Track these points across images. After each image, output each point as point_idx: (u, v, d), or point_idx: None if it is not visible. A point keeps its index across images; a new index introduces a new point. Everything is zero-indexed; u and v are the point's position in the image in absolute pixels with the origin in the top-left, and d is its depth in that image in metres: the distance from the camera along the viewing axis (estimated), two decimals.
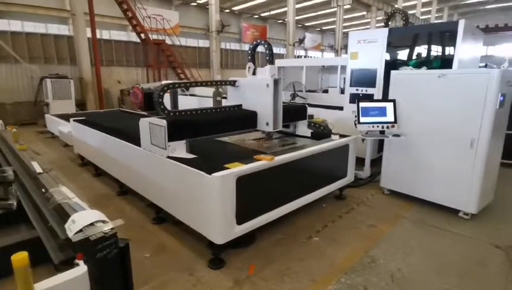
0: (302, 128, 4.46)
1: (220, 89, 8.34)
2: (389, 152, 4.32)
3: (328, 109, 6.17)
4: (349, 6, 20.03)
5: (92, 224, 2.18)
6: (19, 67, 10.61)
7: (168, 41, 13.83)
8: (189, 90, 9.74)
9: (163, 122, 3.00)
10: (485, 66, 8.32)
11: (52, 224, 2.60)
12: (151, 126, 3.21)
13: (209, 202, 2.65)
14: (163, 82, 11.95)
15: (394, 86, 4.13)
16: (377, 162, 4.93)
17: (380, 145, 4.91)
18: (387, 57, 5.10)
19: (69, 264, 2.12)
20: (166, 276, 2.73)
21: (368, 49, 5.20)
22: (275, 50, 27.58)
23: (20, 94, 10.69)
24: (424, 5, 23.62)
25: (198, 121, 3.36)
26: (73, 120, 5.65)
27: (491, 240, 3.32)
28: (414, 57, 5.16)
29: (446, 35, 4.58)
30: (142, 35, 12.71)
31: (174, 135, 3.07)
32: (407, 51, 5.19)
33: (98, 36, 11.66)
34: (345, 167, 4.12)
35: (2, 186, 3.80)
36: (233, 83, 4.04)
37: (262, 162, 2.91)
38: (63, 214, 2.56)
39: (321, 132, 4.41)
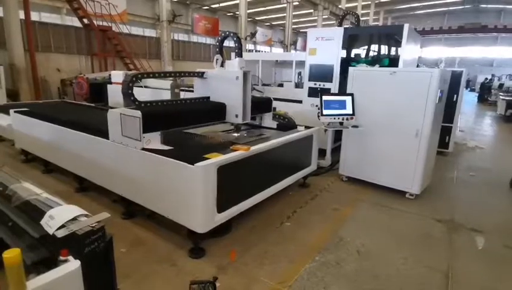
0: (268, 120, 4.63)
1: (178, 81, 8.16)
2: (347, 142, 4.72)
3: (288, 102, 6.44)
4: (297, 3, 20.74)
5: (74, 219, 2.10)
6: None
7: (115, 28, 12.96)
8: (141, 82, 9.33)
9: (138, 113, 2.92)
10: (417, 66, 9.39)
11: (19, 223, 2.41)
12: (123, 117, 3.10)
13: (191, 192, 2.68)
14: (112, 72, 11.22)
15: (352, 81, 4.51)
16: (333, 152, 5.33)
17: (337, 135, 5.31)
18: (343, 54, 5.50)
19: (42, 264, 2.02)
20: (147, 268, 2.71)
21: (326, 46, 5.54)
22: (226, 44, 27.37)
23: None
24: (363, 7, 25.47)
25: (171, 112, 3.33)
26: (15, 111, 5.10)
27: (433, 215, 3.87)
28: (364, 55, 5.66)
29: (393, 37, 5.10)
30: (85, 20, 11.72)
31: (148, 126, 3.01)
32: (359, 49, 5.66)
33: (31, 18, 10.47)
34: (309, 157, 4.41)
35: None
36: (201, 75, 4.05)
37: (239, 152, 3.01)
38: (31, 211, 2.39)
39: (286, 124, 4.63)
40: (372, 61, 5.14)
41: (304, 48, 27.25)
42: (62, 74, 11.58)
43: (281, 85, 10.20)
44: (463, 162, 6.33)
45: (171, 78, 7.57)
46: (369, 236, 3.35)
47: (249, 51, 19.99)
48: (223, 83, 3.87)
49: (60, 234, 1.92)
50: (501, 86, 18.74)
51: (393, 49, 5.21)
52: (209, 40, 23.93)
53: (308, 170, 4.41)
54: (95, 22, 11.99)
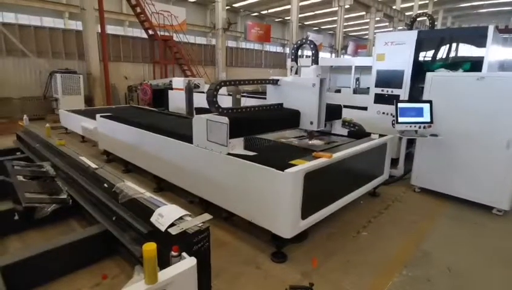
0: (338, 127, 4.58)
1: (240, 87, 8.41)
2: (422, 151, 4.49)
3: (348, 108, 6.30)
4: (349, 6, 20.29)
5: (180, 218, 2.26)
6: (27, 62, 10.41)
7: (175, 37, 13.77)
8: (199, 88, 9.77)
9: (225, 119, 3.07)
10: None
11: (126, 218, 2.65)
12: (209, 123, 3.27)
13: (279, 197, 2.74)
14: (173, 78, 11.86)
15: (430, 87, 4.29)
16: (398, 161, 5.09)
17: (407, 144, 5.07)
18: (415, 58, 5.26)
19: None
20: (235, 269, 2.81)
21: (396, 50, 5.35)
22: (274, 49, 27.57)
23: (27, 89, 10.49)
24: (420, 7, 24.13)
25: (253, 119, 3.44)
26: (101, 116, 5.63)
27: None
28: (440, 58, 5.35)
29: (476, 38, 4.76)
30: (150, 31, 12.62)
31: (234, 132, 3.14)
32: (432, 53, 5.37)
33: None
34: (382, 165, 4.27)
35: (45, 182, 3.82)
36: (275, 82, 4.13)
37: (323, 159, 3.01)
38: (137, 208, 2.63)
39: (357, 131, 4.53)
40: (451, 65, 4.84)
41: (354, 53, 26.51)
42: (129, 81, 12.57)
43: (338, 91, 10.04)
44: None
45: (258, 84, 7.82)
46: (457, 252, 3.14)
47: (301, 57, 19.96)
48: (297, 90, 3.91)
49: (174, 231, 2.09)
50: None
51: (474, 52, 4.86)
52: (258, 46, 24.37)
53: (381, 179, 4.27)
54: (158, 32, 12.86)
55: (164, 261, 1.96)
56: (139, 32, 13.81)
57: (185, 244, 2.07)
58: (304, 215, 2.88)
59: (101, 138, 5.79)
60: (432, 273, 2.80)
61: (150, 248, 1.64)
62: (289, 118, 3.97)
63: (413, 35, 5.15)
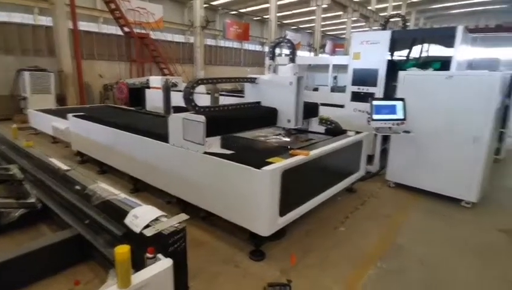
0: (315, 125, 4.63)
1: (218, 86, 8.34)
2: (396, 148, 4.62)
3: (325, 106, 6.40)
4: (326, 6, 20.59)
5: (156, 219, 2.21)
6: None
7: (152, 35, 13.48)
8: (177, 87, 9.62)
9: (202, 118, 3.03)
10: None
11: (99, 221, 2.57)
12: (185, 122, 3.22)
13: (256, 195, 2.74)
14: (150, 77, 11.65)
15: (402, 85, 4.43)
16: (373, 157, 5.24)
17: (382, 141, 5.21)
18: (389, 57, 5.40)
19: None
20: (213, 268, 2.78)
21: (371, 50, 5.46)
22: (253, 48, 27.45)
23: None
24: (394, 8, 24.85)
25: (231, 117, 3.42)
26: (74, 116, 5.43)
27: (494, 224, 3.71)
28: (412, 58, 5.53)
29: (445, 39, 4.95)
30: (126, 28, 12.28)
31: (211, 130, 3.11)
32: (405, 52, 5.54)
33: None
34: (358, 162, 4.36)
35: (13, 186, 3.63)
36: (253, 80, 4.12)
37: (300, 157, 3.04)
38: (111, 210, 2.55)
39: (334, 129, 4.60)
40: (423, 64, 5.01)
41: (332, 52, 26.97)
42: (104, 80, 12.17)
43: (315, 89, 10.16)
44: None
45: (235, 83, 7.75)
46: (429, 245, 3.26)
47: (279, 55, 20.06)
48: (275, 88, 3.93)
49: (149, 232, 2.04)
50: None
51: (443, 51, 5.05)
52: (237, 45, 24.27)
53: (357, 175, 4.36)
54: (134, 29, 12.53)
55: (140, 264, 1.91)
56: (115, 30, 13.39)
57: (160, 245, 2.02)
58: (282, 213, 2.90)
59: (74, 138, 5.58)
60: (405, 265, 2.90)
61: (122, 251, 1.59)
62: (266, 116, 3.98)
63: (386, 35, 5.28)
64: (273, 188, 2.71)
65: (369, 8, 23.08)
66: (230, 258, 2.94)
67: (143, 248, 1.98)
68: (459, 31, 4.70)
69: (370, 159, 5.10)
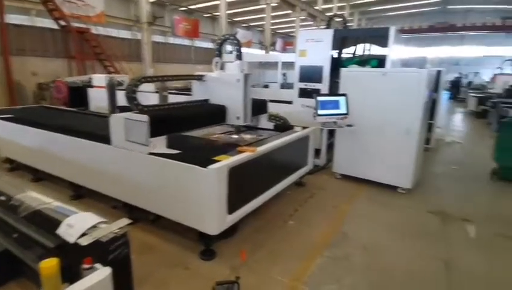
0: (264, 121, 4.70)
1: (169, 84, 8.06)
2: (341, 141, 4.88)
3: (275, 102, 6.53)
4: (276, 4, 20.97)
5: (94, 226, 2.07)
6: None
7: (93, 30, 12.57)
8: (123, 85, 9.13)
9: (145, 117, 2.91)
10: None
11: (29, 234, 2.33)
12: (127, 122, 3.06)
13: (203, 194, 2.70)
14: (93, 75, 10.94)
15: (344, 81, 4.68)
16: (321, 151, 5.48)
17: (329, 135, 5.46)
18: (333, 55, 5.67)
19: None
20: (161, 273, 2.70)
21: (315, 47, 5.69)
22: (205, 45, 26.99)
23: None
24: (339, 8, 26.14)
25: (176, 116, 3.33)
26: (0, 118, 4.87)
27: (426, 207, 4.09)
28: (353, 56, 5.86)
29: (381, 38, 5.31)
30: (62, 21, 11.28)
31: (155, 130, 3.00)
32: (347, 50, 5.85)
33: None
34: (306, 156, 4.52)
35: None
36: (200, 78, 4.06)
37: (247, 154, 3.06)
38: (42, 221, 2.33)
39: (282, 125, 4.71)
40: (362, 62, 5.34)
41: (283, 49, 27.48)
42: (38, 78, 11.08)
43: (266, 86, 10.30)
44: (444, 156, 6.69)
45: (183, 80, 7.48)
46: (371, 231, 3.50)
47: (230, 52, 19.96)
48: (223, 85, 3.91)
49: (84, 241, 1.91)
50: (469, 83, 19.84)
51: (381, 50, 5.43)
52: (187, 42, 23.67)
53: (305, 169, 4.52)
54: (72, 23, 11.57)
55: (77, 277, 1.78)
56: (51, 23, 12.23)
57: (99, 254, 1.90)
58: (231, 210, 2.90)
59: (1, 143, 5.01)
60: (350, 252, 3.07)
61: (48, 265, 1.46)
62: (215, 113, 3.95)
63: (329, 33, 5.53)
64: (220, 186, 2.70)
65: (316, 7, 23.98)
66: (181, 260, 2.87)
67: (80, 258, 1.84)
68: (392, 31, 5.08)
69: (317, 152, 5.31)
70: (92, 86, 9.29)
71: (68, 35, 11.92)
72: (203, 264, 2.84)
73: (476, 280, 2.73)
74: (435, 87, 6.25)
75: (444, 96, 19.49)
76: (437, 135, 7.51)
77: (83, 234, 1.99)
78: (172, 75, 3.80)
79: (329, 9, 25.98)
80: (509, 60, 18.02)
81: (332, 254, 3.02)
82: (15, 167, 5.17)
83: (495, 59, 26.11)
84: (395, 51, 5.42)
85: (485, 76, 21.54)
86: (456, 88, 20.80)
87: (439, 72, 6.48)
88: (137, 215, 3.46)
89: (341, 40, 5.75)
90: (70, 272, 1.86)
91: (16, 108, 7.72)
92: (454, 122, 11.85)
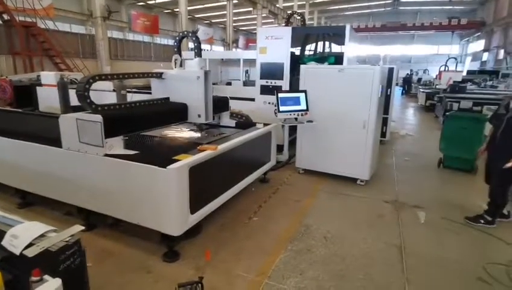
0: (226, 119, 4.68)
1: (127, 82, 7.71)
2: (302, 137, 5.00)
3: (238, 100, 6.53)
4: (237, 1, 20.93)
5: (42, 235, 1.93)
6: None
7: (41, 24, 11.65)
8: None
9: (98, 117, 2.76)
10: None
11: None
12: (80, 123, 2.89)
13: (164, 195, 2.63)
14: (42, 73, 10.23)
15: (304, 78, 4.79)
16: (289, 147, 5.59)
17: (291, 131, 5.57)
18: (292, 51, 5.77)
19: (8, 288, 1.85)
20: (121, 279, 2.59)
21: (275, 45, 5.76)
22: (165, 42, 26.32)
23: None
24: (299, 7, 26.69)
25: (133, 115, 3.20)
26: None
27: (381, 197, 4.33)
28: (312, 53, 6.01)
29: (337, 36, 5.51)
30: (5, 15, 10.34)
31: (110, 130, 2.86)
32: (306, 47, 5.99)
33: None
34: (269, 153, 4.57)
35: None
36: (159, 75, 3.93)
37: (208, 152, 3.02)
38: None
39: (244, 122, 4.72)
40: (320, 59, 5.50)
41: (245, 47, 27.50)
42: None
43: (229, 83, 10.23)
44: (398, 148, 7.12)
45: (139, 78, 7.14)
46: (332, 222, 3.63)
47: (191, 49, 19.59)
48: (183, 83, 3.82)
49: (31, 253, 1.78)
50: (419, 80, 21.29)
51: (337, 47, 5.63)
52: (147, 38, 22.89)
53: (268, 165, 4.57)
54: (16, 17, 10.65)
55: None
56: None
57: (49, 265, 1.78)
58: (193, 210, 2.86)
59: None
60: (311, 244, 3.17)
61: None
62: (176, 112, 3.86)
63: (288, 31, 5.63)
64: (180, 186, 2.64)
65: (277, 5, 24.27)
66: (142, 265, 2.78)
67: (29, 270, 1.71)
68: (348, 29, 5.29)
69: (280, 149, 5.41)
70: (40, 85, 8.63)
71: (11, 30, 10.97)
72: (167, 266, 2.77)
73: (427, 261, 2.94)
74: (388, 83, 6.62)
75: (396, 91, 20.75)
76: (392, 128, 7.97)
77: (30, 245, 1.85)
78: (129, 73, 3.63)
79: (290, 8, 26.47)
80: (453, 57, 19.60)
81: (295, 247, 3.09)
82: None
83: (442, 57, 28.34)
84: (352, 48, 5.65)
85: (433, 73, 23.20)
86: (408, 84, 22.22)
87: (391, 69, 6.86)
88: (95, 220, 3.30)
89: (300, 38, 5.87)
90: (20, 285, 1.73)
91: None
92: (407, 116, 12.65)
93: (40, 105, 8.63)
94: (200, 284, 2.09)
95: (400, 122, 10.57)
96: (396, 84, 30.33)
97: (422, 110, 13.67)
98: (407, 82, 22.58)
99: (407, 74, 24.70)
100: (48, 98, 8.30)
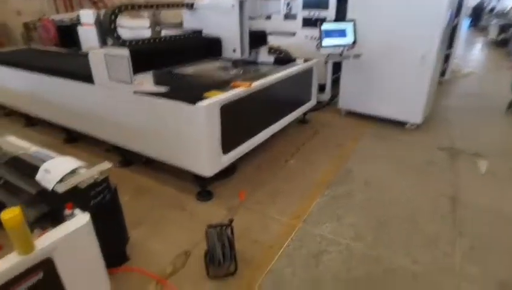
0: (264, 55, 4.29)
1: (158, 17, 7.40)
2: (347, 74, 4.48)
3: (278, 35, 5.97)
4: None
5: (73, 171, 1.92)
6: None
7: None
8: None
9: (125, 51, 2.58)
10: None
11: (11, 180, 2.22)
12: (108, 58, 2.75)
13: (194, 134, 2.50)
14: (81, 12, 10.11)
15: (353, 6, 4.12)
16: (332, 85, 5.12)
17: (335, 68, 5.04)
18: None
19: (46, 219, 1.90)
20: (158, 214, 2.64)
21: None
22: None
23: None
24: None
25: (163, 49, 2.98)
26: None
27: (434, 144, 3.86)
28: None
29: None
30: None
31: (138, 66, 2.69)
32: None
33: None
34: (309, 91, 4.20)
35: None
36: (190, 6, 3.58)
37: (241, 89, 2.77)
38: (23, 166, 2.20)
39: (283, 58, 4.30)
40: None
41: None
42: (24, 17, 10.33)
43: (268, 18, 9.45)
44: (459, 88, 6.25)
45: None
46: (375, 167, 3.34)
47: None
48: (216, 14, 3.47)
49: (61, 188, 1.77)
50: (492, 10, 18.06)
51: None
52: None
53: (309, 105, 4.23)
54: None
55: (61, 222, 1.67)
56: None
57: (79, 200, 1.78)
58: (226, 150, 2.72)
59: None
60: (352, 189, 2.95)
61: (9, 216, 1.31)
62: (209, 46, 3.59)
63: None
64: (211, 124, 2.48)
65: None
66: (176, 202, 2.80)
67: (62, 204, 1.72)
68: None
69: (322, 88, 4.97)
70: (81, 24, 8.63)
71: None
72: (200, 205, 2.76)
73: (485, 215, 2.61)
74: (457, 10, 5.55)
75: (464, 23, 17.99)
76: (454, 66, 6.96)
77: (62, 180, 1.86)
78: (158, 3, 3.33)
79: None
80: None
81: (333, 192, 2.90)
82: (8, 112, 5.00)
83: None
84: None
85: (510, 1, 19.48)
86: (478, 15, 19.03)
87: None
88: (130, 157, 3.35)
89: None
90: (55, 218, 1.77)
91: (1, 52, 7.30)
92: (473, 52, 11.01)
93: (82, 45, 8.76)
94: (229, 227, 2.01)
95: (464, 59, 9.22)
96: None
97: (492, 46, 11.76)
98: (477, 12, 19.32)
99: (479, 1, 21.04)
100: (89, 38, 8.37)
